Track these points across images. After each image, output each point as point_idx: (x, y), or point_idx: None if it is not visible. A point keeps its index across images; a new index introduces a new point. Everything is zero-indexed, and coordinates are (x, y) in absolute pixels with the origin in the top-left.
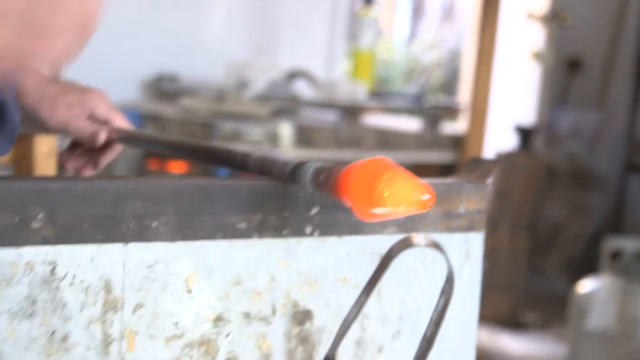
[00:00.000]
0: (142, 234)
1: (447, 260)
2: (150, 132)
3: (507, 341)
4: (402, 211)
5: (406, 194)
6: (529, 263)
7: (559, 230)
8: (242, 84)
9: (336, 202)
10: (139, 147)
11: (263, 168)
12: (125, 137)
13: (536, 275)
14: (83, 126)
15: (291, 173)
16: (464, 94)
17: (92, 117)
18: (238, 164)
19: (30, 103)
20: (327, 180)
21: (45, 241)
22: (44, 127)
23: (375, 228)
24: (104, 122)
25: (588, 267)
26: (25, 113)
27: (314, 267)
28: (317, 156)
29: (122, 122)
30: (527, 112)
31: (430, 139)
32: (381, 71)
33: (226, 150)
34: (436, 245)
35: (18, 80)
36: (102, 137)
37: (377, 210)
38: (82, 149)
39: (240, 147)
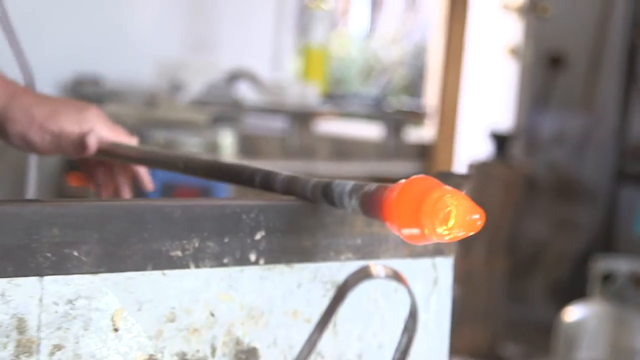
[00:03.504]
0: (61, 266)
1: (410, 293)
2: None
3: None
4: (454, 233)
5: (459, 215)
6: (508, 288)
7: (541, 250)
8: (176, 87)
9: (284, 226)
10: (133, 163)
11: (290, 188)
12: (118, 154)
13: (517, 302)
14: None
15: (324, 192)
16: (431, 96)
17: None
18: (260, 183)
19: (18, 130)
20: (369, 200)
21: None
22: (35, 151)
23: (329, 254)
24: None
25: (576, 291)
26: (13, 140)
27: (259, 299)
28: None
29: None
30: (503, 115)
31: (392, 148)
32: (336, 70)
33: (243, 167)
34: (397, 276)
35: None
36: (92, 141)
37: (429, 233)
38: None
39: None
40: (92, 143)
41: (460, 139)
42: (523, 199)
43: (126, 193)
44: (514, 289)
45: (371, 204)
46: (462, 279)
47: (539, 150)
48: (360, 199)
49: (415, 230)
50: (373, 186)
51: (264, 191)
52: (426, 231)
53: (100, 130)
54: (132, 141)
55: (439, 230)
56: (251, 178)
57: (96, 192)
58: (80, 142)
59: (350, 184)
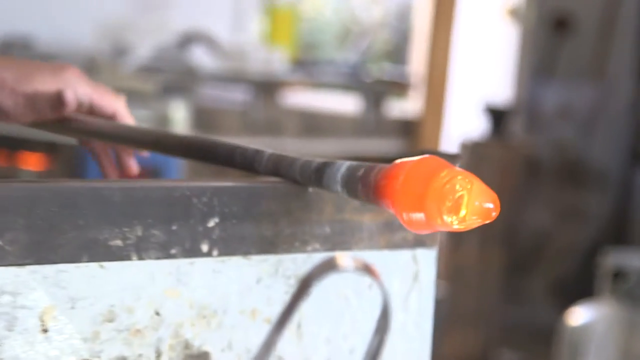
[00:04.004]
0: None
1: (382, 288)
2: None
3: None
4: (467, 221)
5: (471, 200)
6: (504, 286)
7: (544, 243)
8: (119, 51)
9: (242, 211)
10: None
11: (278, 168)
12: (86, 130)
13: (514, 302)
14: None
15: (317, 173)
16: (417, 64)
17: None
18: (241, 162)
19: None
20: (367, 181)
21: None
22: (8, 117)
23: (293, 245)
24: (90, 109)
25: (582, 290)
26: None
27: (212, 296)
28: None
29: (112, 104)
30: (500, 87)
31: (371, 123)
32: (307, 33)
33: (221, 144)
34: (368, 269)
35: None
36: (70, 96)
37: (437, 219)
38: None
39: None
40: (70, 98)
41: (450, 114)
42: (523, 184)
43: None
44: (511, 288)
45: (368, 185)
46: (452, 276)
47: (542, 127)
48: (354, 179)
49: (420, 215)
50: (373, 167)
51: (246, 172)
52: (438, 219)
53: (79, 87)
54: (118, 102)
55: (448, 218)
56: (230, 156)
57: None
58: (58, 100)
59: (345, 164)
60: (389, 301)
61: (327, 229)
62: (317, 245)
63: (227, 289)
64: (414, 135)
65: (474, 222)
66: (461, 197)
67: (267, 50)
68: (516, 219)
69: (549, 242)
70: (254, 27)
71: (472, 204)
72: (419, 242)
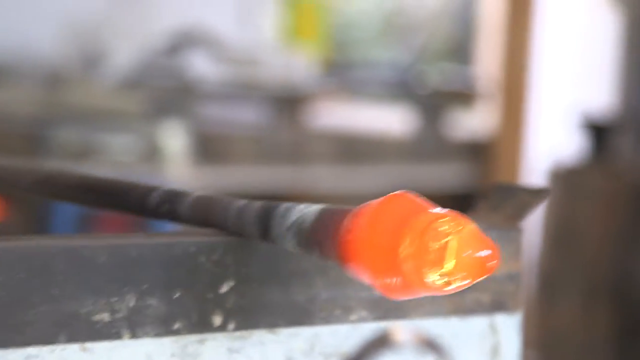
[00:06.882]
0: None
1: None
2: None
3: None
4: (454, 279)
5: (460, 251)
6: (615, 354)
7: None
8: (92, 61)
9: (264, 271)
10: None
11: (207, 216)
12: None
13: None
14: None
15: (260, 220)
16: (487, 64)
17: None
18: (158, 207)
19: None
20: (324, 231)
21: None
22: None
23: (332, 313)
24: None
25: None
26: None
27: None
28: (233, 182)
29: None
30: (600, 95)
31: (428, 145)
32: (340, 30)
33: (131, 185)
34: (431, 344)
35: None
36: None
37: (421, 280)
38: None
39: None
40: None
41: (532, 131)
42: (634, 222)
43: None
44: (622, 356)
45: (323, 237)
46: (544, 344)
47: None
48: (306, 230)
49: (391, 280)
50: (331, 210)
51: (164, 220)
52: (412, 278)
53: None
54: None
55: (431, 276)
56: (143, 200)
57: None
58: None
59: (298, 207)
60: None
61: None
62: (364, 313)
63: None
64: (486, 160)
65: (464, 280)
66: (446, 246)
67: (287, 53)
68: (627, 268)
69: None
70: (268, 21)
71: (462, 255)
72: (498, 304)
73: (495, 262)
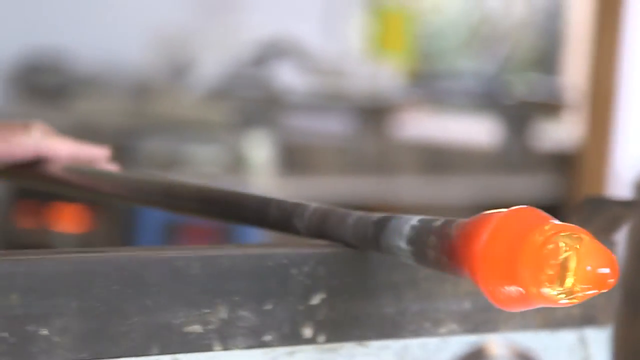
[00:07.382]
0: (23, 351)
1: None
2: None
3: None
4: (574, 293)
5: (580, 265)
6: None
7: None
8: (180, 71)
9: (355, 284)
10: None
11: (324, 229)
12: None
13: None
14: None
15: (376, 229)
16: (574, 75)
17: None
18: (275, 219)
19: None
20: (441, 240)
21: None
22: None
23: (423, 326)
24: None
25: None
26: None
27: None
28: (318, 192)
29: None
30: None
31: (515, 156)
32: (426, 40)
33: (250, 197)
34: (526, 358)
35: None
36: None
37: (534, 291)
38: None
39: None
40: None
41: (620, 141)
42: None
43: None
44: None
45: (449, 250)
46: (627, 358)
47: None
48: (431, 242)
49: (510, 289)
50: (451, 222)
51: (280, 232)
52: (535, 292)
53: (45, 142)
54: (99, 153)
55: (550, 291)
56: (261, 212)
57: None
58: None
59: (414, 218)
60: None
61: (467, 304)
62: (454, 326)
63: None
64: (572, 171)
65: (585, 293)
66: (566, 260)
67: (373, 63)
68: None
69: None
70: (354, 32)
71: (582, 270)
72: (588, 318)
73: (614, 278)
